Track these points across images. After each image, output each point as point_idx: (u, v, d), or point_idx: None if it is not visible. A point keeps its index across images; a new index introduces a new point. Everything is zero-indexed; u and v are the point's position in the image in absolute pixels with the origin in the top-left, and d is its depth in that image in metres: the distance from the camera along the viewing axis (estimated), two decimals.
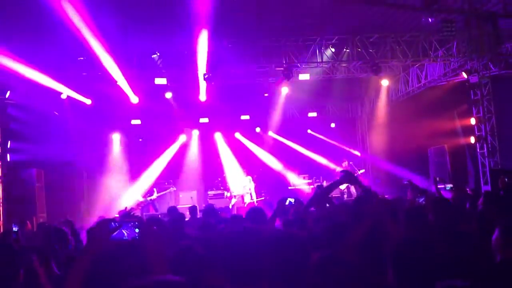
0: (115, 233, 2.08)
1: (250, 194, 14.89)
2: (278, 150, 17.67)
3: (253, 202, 14.45)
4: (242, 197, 14.96)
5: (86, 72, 12.42)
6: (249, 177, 15.18)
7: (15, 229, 8.26)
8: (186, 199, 15.17)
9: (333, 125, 18.28)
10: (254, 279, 2.08)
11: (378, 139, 16.79)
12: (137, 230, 2.10)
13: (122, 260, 2.26)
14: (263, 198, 15.12)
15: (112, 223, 2.10)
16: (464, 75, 12.75)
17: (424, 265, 2.42)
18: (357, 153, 17.55)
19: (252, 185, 15.00)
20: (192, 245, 2.37)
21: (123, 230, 2.10)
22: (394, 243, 2.85)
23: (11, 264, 2.78)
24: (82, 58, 11.92)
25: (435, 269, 2.45)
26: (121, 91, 13.63)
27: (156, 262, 2.03)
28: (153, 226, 2.09)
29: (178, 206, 14.40)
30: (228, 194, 15.45)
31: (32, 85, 12.38)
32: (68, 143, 14.31)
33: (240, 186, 15.19)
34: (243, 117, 17.27)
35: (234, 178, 15.80)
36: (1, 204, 11.57)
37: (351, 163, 15.85)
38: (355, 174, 12.93)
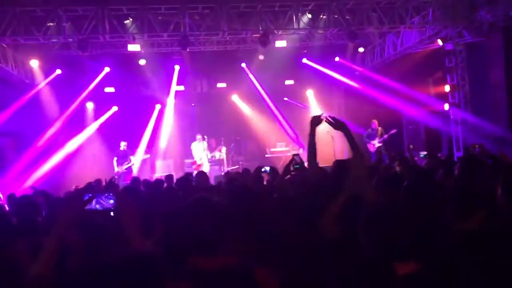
0: (89, 204, 2.04)
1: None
2: (255, 118, 17.60)
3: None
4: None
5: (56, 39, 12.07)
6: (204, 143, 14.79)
7: None
8: (163, 168, 15.09)
9: (309, 92, 18.23)
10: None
11: (353, 106, 16.86)
12: (111, 201, 2.06)
13: (96, 230, 2.23)
14: (238, 166, 15.14)
15: (86, 194, 2.06)
16: (440, 42, 12.82)
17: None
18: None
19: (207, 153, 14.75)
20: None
21: (99, 201, 2.06)
22: (368, 212, 2.85)
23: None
24: (51, 24, 11.52)
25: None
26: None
27: (131, 232, 2.01)
28: (127, 197, 2.06)
29: (154, 175, 14.45)
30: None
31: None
32: (40, 112, 14.01)
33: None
34: (219, 85, 17.11)
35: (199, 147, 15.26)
36: None
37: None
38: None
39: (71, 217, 2.01)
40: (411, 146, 8.64)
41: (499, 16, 11.80)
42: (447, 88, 12.99)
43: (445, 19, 12.22)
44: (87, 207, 2.04)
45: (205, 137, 14.98)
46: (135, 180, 8.69)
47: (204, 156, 14.55)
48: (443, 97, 13.30)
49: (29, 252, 2.46)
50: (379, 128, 14.06)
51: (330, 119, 3.77)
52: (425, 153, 10.50)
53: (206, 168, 14.27)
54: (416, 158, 8.57)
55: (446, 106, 13.04)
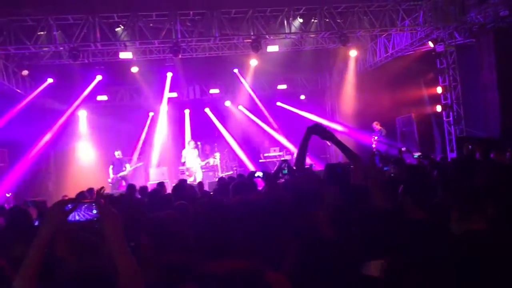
0: (72, 215, 2.00)
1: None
2: (248, 124, 17.59)
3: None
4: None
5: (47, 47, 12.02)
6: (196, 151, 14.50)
7: None
8: (157, 175, 15.00)
9: (302, 97, 18.22)
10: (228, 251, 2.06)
11: (347, 109, 16.89)
12: (94, 212, 2.02)
13: (81, 241, 2.19)
14: (232, 172, 15.06)
15: (69, 205, 2.02)
16: (431, 44, 12.84)
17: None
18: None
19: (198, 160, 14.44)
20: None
21: (79, 212, 2.02)
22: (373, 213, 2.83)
23: None
24: (42, 33, 11.46)
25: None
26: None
27: (114, 242, 1.97)
28: (111, 207, 2.02)
29: (148, 183, 14.36)
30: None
31: None
32: (32, 121, 13.91)
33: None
34: (212, 91, 17.12)
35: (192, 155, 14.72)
36: None
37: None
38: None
39: (53, 228, 1.98)
40: (403, 149, 8.58)
41: (489, 17, 11.85)
42: (439, 89, 13.00)
43: (435, 21, 12.27)
44: (70, 218, 2.00)
45: (198, 143, 14.90)
46: (131, 187, 8.61)
47: (196, 164, 14.42)
48: (435, 98, 13.31)
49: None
50: (382, 129, 13.90)
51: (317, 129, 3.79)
52: (419, 154, 10.47)
53: (199, 175, 14.19)
54: (409, 160, 8.56)
55: (439, 108, 13.05)
